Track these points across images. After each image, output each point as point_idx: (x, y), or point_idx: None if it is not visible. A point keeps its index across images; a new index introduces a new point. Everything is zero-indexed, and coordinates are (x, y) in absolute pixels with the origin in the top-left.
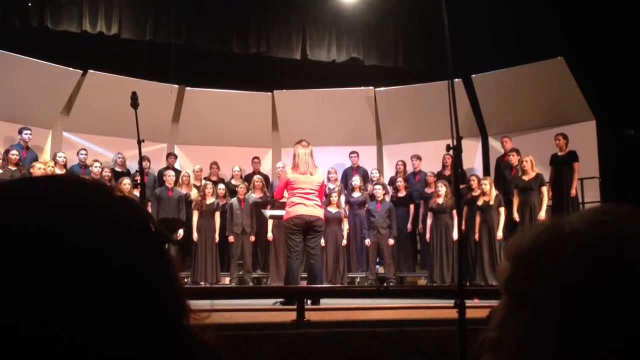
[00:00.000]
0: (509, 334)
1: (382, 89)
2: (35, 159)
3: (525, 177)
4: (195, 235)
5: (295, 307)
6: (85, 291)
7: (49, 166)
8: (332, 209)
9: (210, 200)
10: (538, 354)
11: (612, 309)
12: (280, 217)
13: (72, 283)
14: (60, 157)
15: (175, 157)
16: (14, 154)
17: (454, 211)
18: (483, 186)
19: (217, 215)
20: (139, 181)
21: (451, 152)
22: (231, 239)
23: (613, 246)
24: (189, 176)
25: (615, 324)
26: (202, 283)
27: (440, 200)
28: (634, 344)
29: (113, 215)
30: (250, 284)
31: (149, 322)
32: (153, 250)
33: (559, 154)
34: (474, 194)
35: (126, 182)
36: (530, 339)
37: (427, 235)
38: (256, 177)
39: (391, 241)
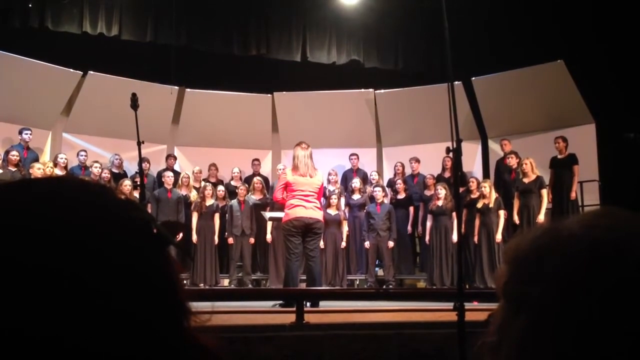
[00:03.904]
0: (508, 338)
1: (382, 91)
2: (36, 159)
3: (526, 180)
4: (194, 237)
5: (294, 309)
6: (86, 292)
7: (48, 167)
8: (332, 211)
9: (209, 201)
10: (538, 358)
11: (611, 313)
12: (279, 219)
13: (74, 283)
14: (61, 158)
15: (175, 158)
16: (14, 155)
17: (454, 214)
18: (482, 189)
19: (217, 216)
20: (138, 183)
21: (451, 154)
22: (230, 240)
23: (611, 250)
24: (188, 177)
25: (614, 327)
26: (202, 285)
27: (439, 203)
28: (633, 347)
29: (115, 217)
30: (250, 286)
31: (149, 323)
32: (155, 252)
33: (559, 156)
34: (473, 196)
35: (127, 184)
36: (530, 343)
37: (427, 238)
38: (256, 179)
39: (391, 243)
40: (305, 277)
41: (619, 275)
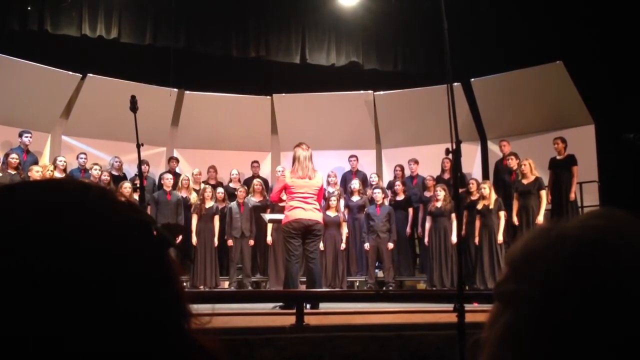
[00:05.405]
0: (492, 334)
1: (382, 92)
2: (36, 162)
3: (525, 181)
4: (194, 239)
5: (294, 311)
6: (86, 293)
7: (47, 170)
8: (331, 213)
9: (209, 204)
10: (515, 356)
11: (590, 314)
12: (279, 221)
13: (75, 285)
14: (61, 161)
15: (177, 161)
16: (14, 158)
17: (453, 215)
18: (482, 190)
19: (216, 219)
20: (138, 185)
21: (450, 155)
22: (230, 242)
23: (598, 251)
24: (188, 180)
25: (592, 329)
26: (201, 287)
27: (439, 204)
28: (608, 350)
29: (117, 219)
30: (250, 288)
31: (150, 325)
32: (156, 255)
33: (558, 157)
34: (473, 198)
35: (127, 186)
36: (510, 338)
37: (426, 239)
38: (256, 181)
39: (390, 245)
40: (305, 279)
41: (602, 277)
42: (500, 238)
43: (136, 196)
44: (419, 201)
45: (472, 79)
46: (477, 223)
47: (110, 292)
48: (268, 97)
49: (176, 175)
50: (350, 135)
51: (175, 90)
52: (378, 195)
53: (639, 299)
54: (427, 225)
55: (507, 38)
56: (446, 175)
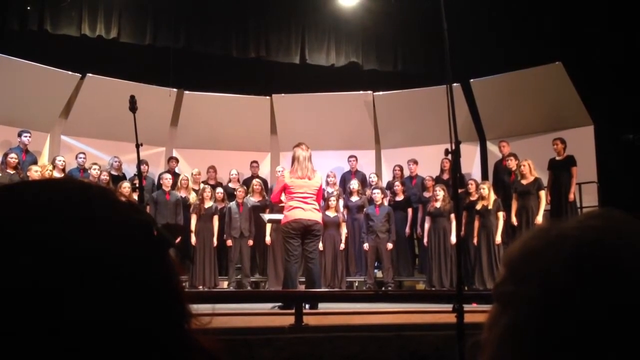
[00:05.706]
0: (493, 335)
1: (381, 93)
2: (35, 162)
3: (524, 181)
4: (193, 239)
5: (293, 311)
6: (87, 292)
7: (46, 170)
8: (331, 213)
9: (208, 204)
10: (515, 356)
11: (592, 315)
12: (278, 221)
13: (75, 284)
14: (60, 161)
15: (177, 161)
16: (13, 157)
17: (452, 215)
18: (481, 191)
19: (216, 219)
20: (137, 185)
21: (450, 156)
22: (229, 242)
23: (597, 251)
24: (187, 180)
25: (590, 330)
26: (200, 287)
27: (438, 205)
28: (611, 350)
29: (117, 219)
30: (249, 288)
31: (150, 326)
32: (156, 255)
33: (557, 158)
34: (472, 198)
35: (126, 186)
36: (509, 341)
37: (425, 240)
38: (255, 181)
39: (390, 245)
40: (304, 279)
41: (602, 277)
42: (498, 239)
43: (135, 196)
44: (418, 201)
45: (472, 80)
46: (476, 223)
47: (110, 291)
48: (267, 97)
49: (175, 175)
50: (349, 135)
51: (175, 90)
52: (377, 195)
53: (638, 299)
54: (426, 225)
55: (506, 38)
56: (445, 176)
